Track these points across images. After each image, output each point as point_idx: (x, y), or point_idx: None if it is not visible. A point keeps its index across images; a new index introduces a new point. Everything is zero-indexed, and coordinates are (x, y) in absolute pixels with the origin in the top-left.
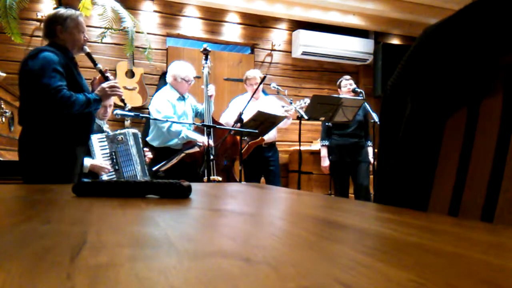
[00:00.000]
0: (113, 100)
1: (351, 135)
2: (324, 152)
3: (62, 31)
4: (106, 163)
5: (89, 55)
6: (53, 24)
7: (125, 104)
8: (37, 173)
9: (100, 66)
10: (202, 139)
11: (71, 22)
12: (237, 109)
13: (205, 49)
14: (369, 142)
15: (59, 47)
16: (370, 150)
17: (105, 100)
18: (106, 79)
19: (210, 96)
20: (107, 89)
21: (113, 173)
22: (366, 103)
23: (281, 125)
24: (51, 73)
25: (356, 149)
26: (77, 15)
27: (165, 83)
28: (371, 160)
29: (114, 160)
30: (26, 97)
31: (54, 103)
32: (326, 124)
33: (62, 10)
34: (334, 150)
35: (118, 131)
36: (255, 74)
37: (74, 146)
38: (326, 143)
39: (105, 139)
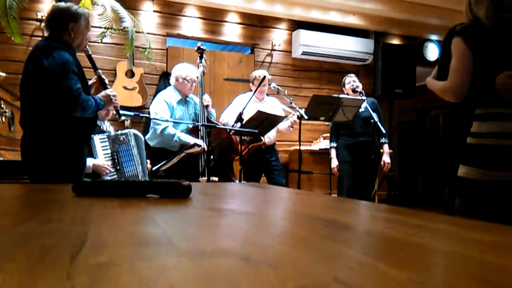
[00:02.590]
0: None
1: (358, 134)
2: (332, 154)
3: (74, 29)
4: (108, 164)
5: (90, 57)
6: (67, 20)
7: (119, 116)
8: (47, 173)
9: (100, 71)
10: (196, 142)
11: (84, 21)
12: (239, 108)
13: (199, 48)
14: (384, 139)
15: (66, 44)
16: (386, 147)
17: (107, 107)
18: (105, 85)
19: (207, 106)
20: (111, 96)
21: (115, 173)
22: (374, 99)
23: (282, 129)
24: (70, 74)
25: (364, 147)
26: (88, 14)
27: (165, 83)
28: (387, 159)
29: (116, 160)
30: (33, 97)
31: (74, 106)
32: (328, 123)
33: (75, 6)
34: (341, 150)
35: (120, 132)
36: (262, 74)
37: (81, 145)
38: (334, 144)
39: (106, 140)
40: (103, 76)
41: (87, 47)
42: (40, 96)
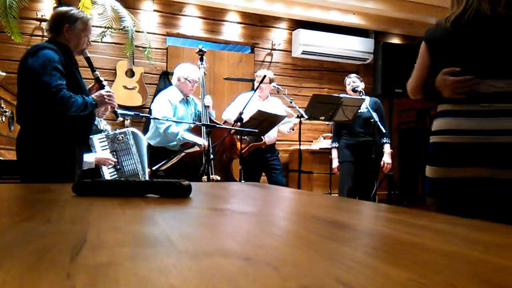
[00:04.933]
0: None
1: (359, 134)
2: (333, 154)
3: (68, 31)
4: (110, 155)
5: (88, 60)
6: (62, 21)
7: (117, 116)
8: (35, 172)
9: (97, 73)
10: (200, 141)
11: (81, 24)
12: (242, 106)
13: (200, 50)
14: (385, 139)
15: (60, 45)
16: (386, 147)
17: (100, 106)
18: (102, 87)
19: (208, 107)
20: (105, 96)
21: (115, 172)
22: (377, 99)
23: (282, 130)
24: (52, 71)
25: (365, 147)
26: (88, 19)
27: (165, 83)
28: (388, 159)
29: (116, 159)
30: (24, 95)
31: (53, 102)
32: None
33: (74, 10)
34: (343, 150)
35: (118, 131)
36: (264, 73)
37: (73, 146)
38: (336, 144)
39: (105, 139)
40: (100, 78)
41: (86, 50)
42: (27, 95)
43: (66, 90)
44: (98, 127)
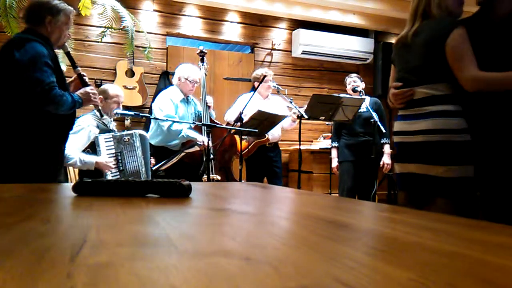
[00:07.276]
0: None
1: (359, 134)
2: (333, 153)
3: (51, 23)
4: (111, 161)
5: (68, 54)
6: (44, 12)
7: (101, 115)
8: (12, 170)
9: (79, 69)
10: (202, 139)
11: (63, 16)
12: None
13: (201, 51)
14: (384, 139)
15: (41, 37)
16: (386, 147)
17: (85, 104)
18: (85, 83)
19: (209, 107)
20: (91, 94)
21: (118, 173)
22: (377, 99)
23: (286, 126)
24: (43, 67)
25: (365, 147)
26: (70, 11)
27: (165, 83)
28: (387, 159)
29: (120, 161)
30: (7, 90)
31: (45, 100)
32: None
33: (56, 1)
34: (343, 149)
35: (125, 132)
36: (262, 72)
37: (52, 144)
38: (335, 144)
39: (111, 139)
40: (83, 73)
41: (66, 43)
42: (11, 90)
43: (57, 88)
44: (108, 127)
